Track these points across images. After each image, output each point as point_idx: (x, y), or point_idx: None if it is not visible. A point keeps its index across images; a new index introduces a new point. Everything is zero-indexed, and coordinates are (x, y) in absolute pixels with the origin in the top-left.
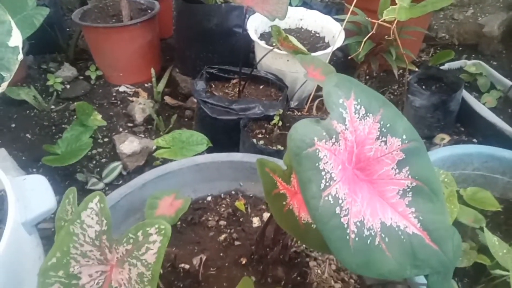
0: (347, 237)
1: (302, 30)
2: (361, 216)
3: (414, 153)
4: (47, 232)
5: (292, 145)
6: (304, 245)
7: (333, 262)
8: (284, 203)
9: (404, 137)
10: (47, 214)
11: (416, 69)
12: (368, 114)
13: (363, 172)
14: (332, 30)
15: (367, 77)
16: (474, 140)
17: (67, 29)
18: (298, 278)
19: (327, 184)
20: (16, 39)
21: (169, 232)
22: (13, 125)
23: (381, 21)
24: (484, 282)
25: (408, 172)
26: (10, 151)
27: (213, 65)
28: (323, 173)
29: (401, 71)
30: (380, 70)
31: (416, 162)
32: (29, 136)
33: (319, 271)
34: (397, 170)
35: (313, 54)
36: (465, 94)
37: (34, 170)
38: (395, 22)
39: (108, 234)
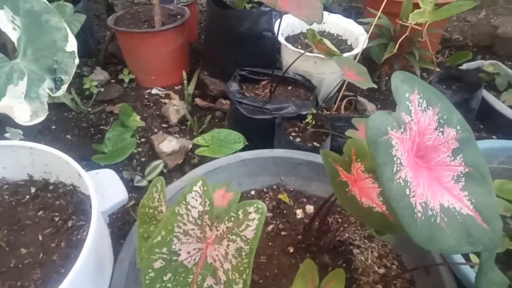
0: (415, 216)
1: (325, 33)
2: (424, 197)
3: (466, 142)
4: None
5: (370, 133)
6: (347, 234)
7: (375, 250)
8: (346, 189)
9: (458, 127)
10: (121, 204)
11: (438, 69)
12: (428, 107)
13: (422, 159)
14: (355, 33)
15: (387, 78)
16: (494, 136)
17: (96, 34)
18: (344, 264)
19: (398, 168)
20: (72, 45)
21: (265, 211)
22: (53, 127)
23: (409, 23)
24: None
25: (462, 159)
26: None
27: (243, 67)
28: (395, 158)
29: (419, 72)
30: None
31: (468, 150)
32: (69, 137)
33: (362, 258)
34: (452, 158)
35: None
36: (484, 93)
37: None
38: (426, 24)
39: (210, 214)
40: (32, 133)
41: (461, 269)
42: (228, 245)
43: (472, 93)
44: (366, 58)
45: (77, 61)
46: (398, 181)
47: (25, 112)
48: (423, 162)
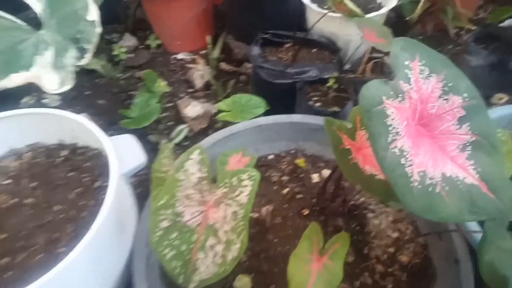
0: (411, 185)
1: None
2: (423, 167)
3: (474, 110)
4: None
5: (364, 102)
6: (362, 199)
7: (390, 214)
8: (349, 157)
9: (465, 95)
10: (140, 167)
11: (473, 28)
12: (431, 74)
13: (425, 127)
14: None
15: (421, 37)
16: None
17: (124, 0)
18: (357, 227)
19: (394, 138)
20: (93, 13)
21: (258, 178)
22: (87, 93)
23: None
24: None
25: (468, 128)
26: (87, 116)
27: (266, 31)
28: (390, 128)
29: (457, 30)
30: (434, 29)
31: (476, 118)
32: (102, 102)
33: (376, 222)
34: (458, 126)
35: (367, 15)
36: None
37: (111, 132)
38: None
39: (208, 180)
40: (68, 98)
41: (474, 237)
42: (225, 209)
43: (511, 53)
44: (399, 17)
45: (98, 30)
46: (393, 150)
47: (53, 81)
48: (427, 130)
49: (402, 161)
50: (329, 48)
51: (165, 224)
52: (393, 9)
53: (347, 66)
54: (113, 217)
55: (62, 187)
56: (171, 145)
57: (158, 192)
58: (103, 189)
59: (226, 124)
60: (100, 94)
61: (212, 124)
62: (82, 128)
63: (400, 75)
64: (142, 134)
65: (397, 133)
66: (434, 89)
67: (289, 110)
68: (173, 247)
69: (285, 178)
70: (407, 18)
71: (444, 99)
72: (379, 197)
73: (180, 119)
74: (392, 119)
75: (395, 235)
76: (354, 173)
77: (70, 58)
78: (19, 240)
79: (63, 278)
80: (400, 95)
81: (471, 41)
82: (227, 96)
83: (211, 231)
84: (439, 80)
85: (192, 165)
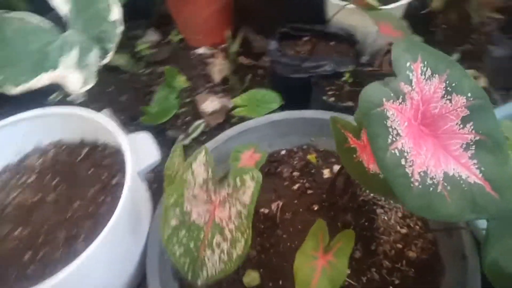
0: (411, 185)
1: None
2: (424, 167)
3: (478, 110)
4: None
5: (362, 105)
6: (371, 195)
7: (400, 210)
8: (354, 155)
9: (469, 95)
10: (154, 165)
11: (498, 17)
12: (434, 75)
13: (428, 127)
14: None
15: (445, 27)
16: None
17: None
18: (366, 223)
19: (394, 139)
20: (116, 13)
21: (261, 178)
22: (109, 89)
23: None
24: None
25: (472, 127)
26: (110, 112)
27: (286, 23)
28: (390, 129)
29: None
30: (459, 19)
31: (480, 118)
32: (124, 98)
33: (385, 218)
34: (461, 126)
35: (386, 6)
36: None
37: (132, 127)
38: None
39: (213, 180)
40: (92, 95)
41: (483, 234)
42: (230, 208)
43: None
44: (423, 7)
45: (120, 29)
46: (392, 151)
47: (77, 81)
48: (429, 130)
49: (402, 161)
50: (347, 41)
51: (174, 222)
52: None
53: (364, 59)
54: (129, 214)
55: (82, 183)
56: (183, 143)
57: (169, 189)
58: (120, 186)
59: (242, 119)
60: (123, 90)
61: (228, 119)
62: (101, 127)
63: (401, 77)
64: (161, 130)
65: (397, 134)
66: (436, 89)
67: (305, 104)
68: (182, 244)
69: (296, 173)
70: (429, 9)
71: (448, 99)
72: (381, 195)
73: (197, 114)
74: (392, 120)
75: (404, 231)
76: (358, 171)
77: (93, 57)
78: (40, 236)
79: (81, 272)
80: (400, 97)
81: (496, 31)
82: (245, 91)
83: (217, 229)
84: (442, 80)
85: (199, 166)
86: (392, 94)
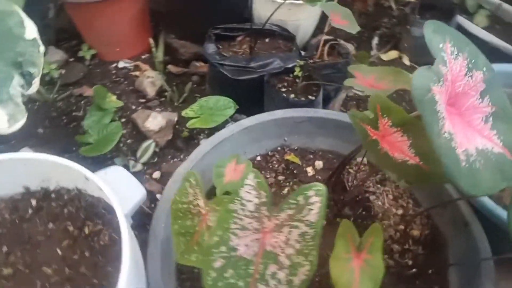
0: (460, 165)
1: None
2: (464, 146)
3: (492, 82)
4: None
5: (416, 93)
6: (360, 183)
7: (389, 193)
8: (378, 147)
9: (484, 69)
10: (141, 202)
11: (412, 0)
12: (459, 53)
13: (453, 106)
14: None
15: (363, 15)
16: None
17: (35, 8)
18: (364, 212)
19: (442, 122)
20: (31, 30)
21: (325, 192)
22: None
23: None
24: None
25: (489, 100)
26: (28, 149)
27: (213, 25)
28: (439, 114)
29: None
30: (376, 5)
31: (494, 90)
32: (42, 131)
33: (380, 203)
34: (480, 100)
35: None
36: (459, 18)
37: None
38: None
39: (268, 205)
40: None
41: (481, 201)
42: (290, 231)
43: (448, 20)
44: None
45: (42, 49)
46: (444, 135)
47: (0, 118)
48: (455, 109)
49: (453, 144)
50: (282, 36)
51: (219, 263)
52: None
53: (302, 53)
54: (133, 262)
55: (44, 243)
56: (133, 170)
57: (179, 224)
58: (96, 234)
59: (192, 132)
60: (38, 121)
61: (177, 133)
62: (55, 168)
63: (439, 59)
64: (103, 159)
65: (443, 117)
66: (461, 68)
67: (258, 105)
68: (229, 286)
69: (281, 177)
70: None
71: (469, 76)
72: (413, 181)
73: (140, 134)
74: (439, 104)
75: (400, 211)
76: (386, 162)
77: (16, 87)
78: None
79: None
80: (441, 79)
81: (410, 13)
82: (184, 101)
83: (270, 257)
84: (464, 58)
85: (248, 192)
86: (435, 78)
